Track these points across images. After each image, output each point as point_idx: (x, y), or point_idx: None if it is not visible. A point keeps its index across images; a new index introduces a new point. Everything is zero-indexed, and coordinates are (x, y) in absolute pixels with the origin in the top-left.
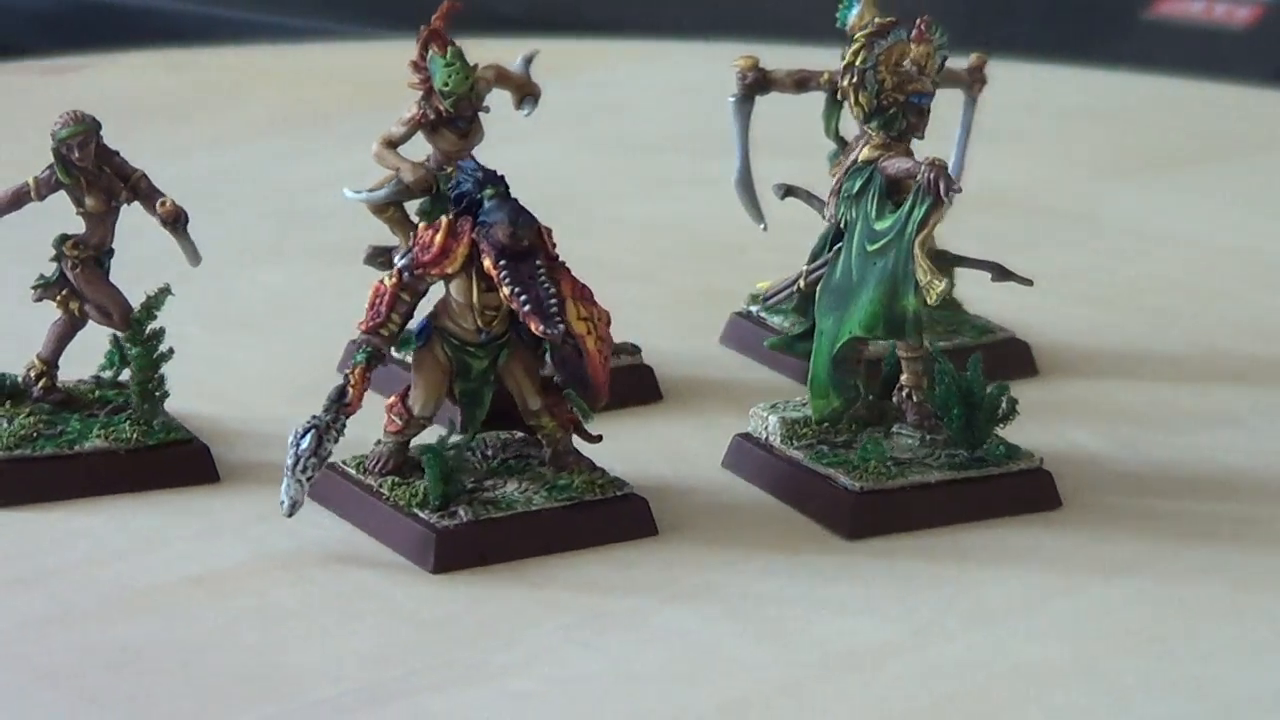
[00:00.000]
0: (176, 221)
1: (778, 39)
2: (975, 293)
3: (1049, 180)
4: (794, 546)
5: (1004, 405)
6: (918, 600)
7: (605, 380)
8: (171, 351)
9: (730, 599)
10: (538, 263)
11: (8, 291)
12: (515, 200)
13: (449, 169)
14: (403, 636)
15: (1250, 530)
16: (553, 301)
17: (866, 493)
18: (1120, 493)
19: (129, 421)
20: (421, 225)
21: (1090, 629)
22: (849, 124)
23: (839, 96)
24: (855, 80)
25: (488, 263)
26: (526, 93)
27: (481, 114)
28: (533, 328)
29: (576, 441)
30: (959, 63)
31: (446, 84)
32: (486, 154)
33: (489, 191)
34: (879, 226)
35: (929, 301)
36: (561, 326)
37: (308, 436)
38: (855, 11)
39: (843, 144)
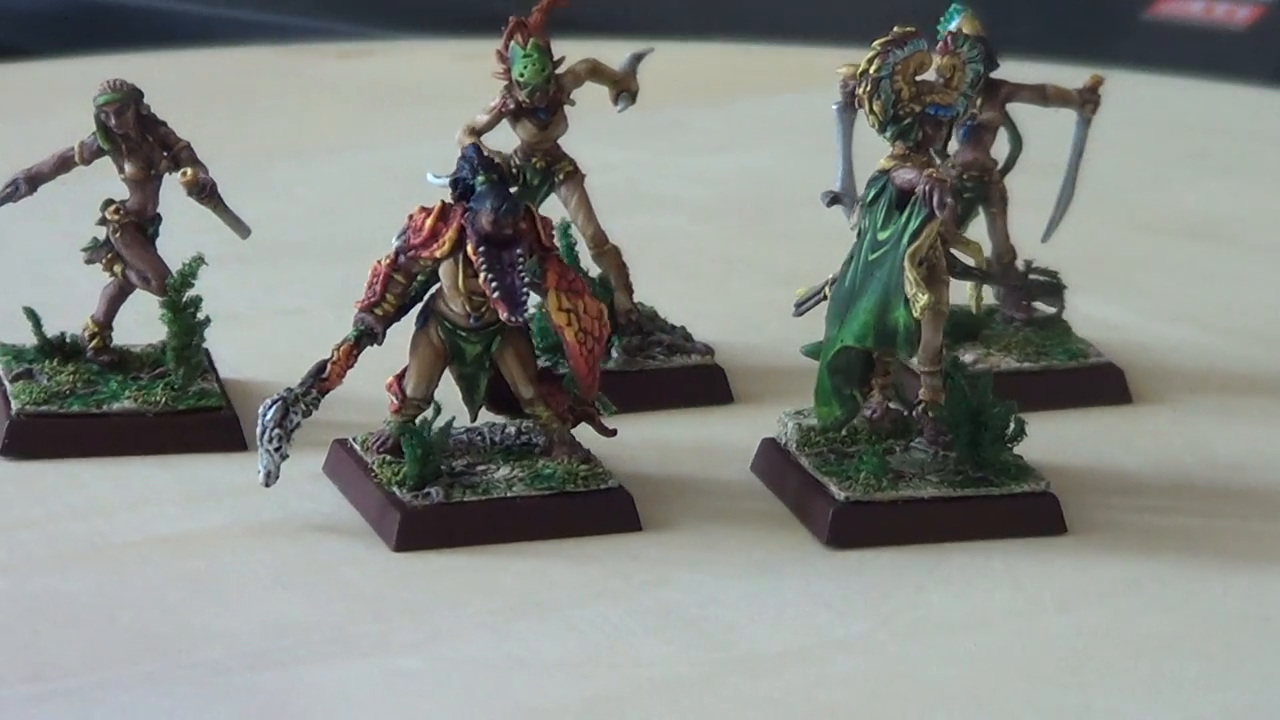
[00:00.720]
0: (201, 192)
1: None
2: (1107, 313)
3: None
4: (769, 552)
5: (1012, 426)
6: (861, 612)
7: (587, 372)
8: (208, 319)
9: (667, 597)
10: (519, 252)
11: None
12: (504, 189)
13: (534, 159)
14: (324, 608)
15: (1247, 572)
16: (524, 291)
17: (851, 503)
18: (1137, 524)
19: (163, 385)
20: (418, 208)
21: (1015, 657)
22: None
23: (856, 105)
24: (869, 88)
25: (470, 248)
26: (623, 89)
27: (568, 107)
28: (500, 314)
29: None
30: (1073, 82)
31: (522, 74)
32: (703, 158)
33: (480, 178)
34: (881, 236)
35: (915, 314)
36: (526, 315)
37: (274, 408)
38: (954, 24)
39: (944, 155)
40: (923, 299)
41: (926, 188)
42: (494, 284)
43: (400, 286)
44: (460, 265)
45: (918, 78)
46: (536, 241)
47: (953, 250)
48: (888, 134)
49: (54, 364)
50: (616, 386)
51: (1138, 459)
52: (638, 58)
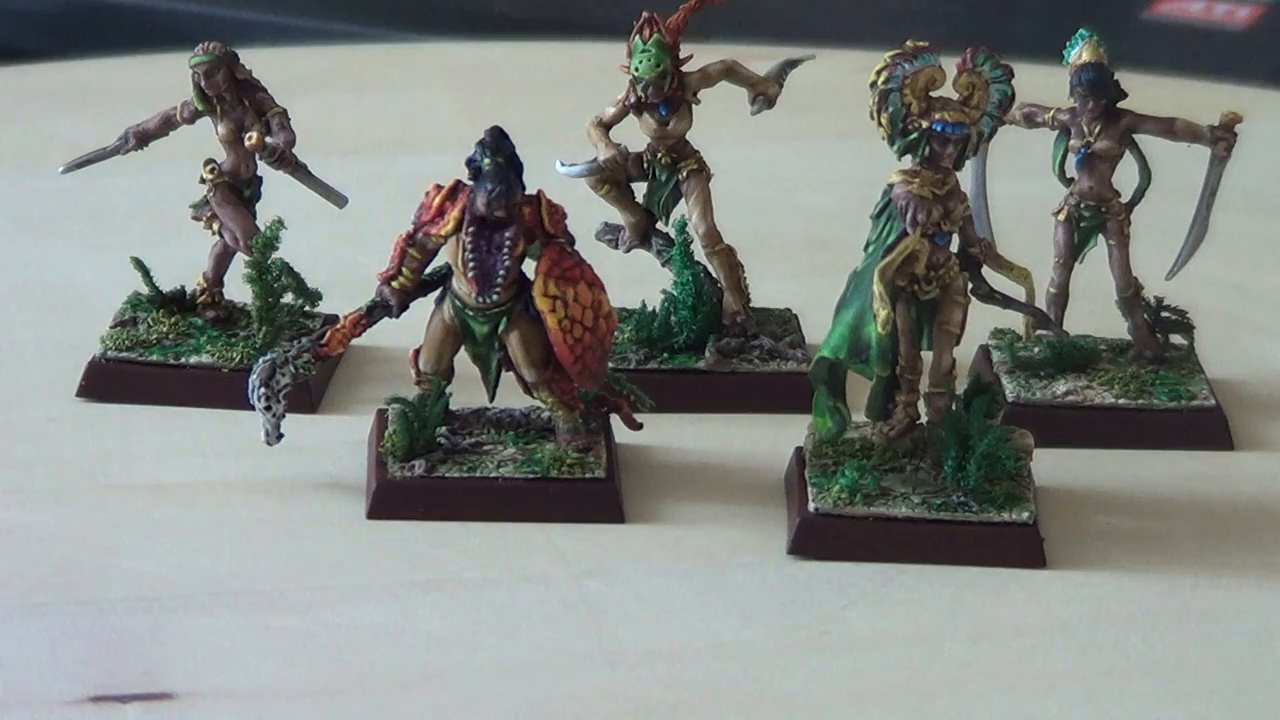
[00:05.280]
0: (272, 156)
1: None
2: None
3: None
4: (731, 556)
5: (1003, 453)
6: (766, 621)
7: (572, 360)
8: (293, 281)
9: (590, 587)
10: (507, 235)
11: None
12: (506, 172)
13: (659, 154)
14: (246, 564)
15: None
16: (500, 273)
17: (818, 514)
18: (1114, 563)
19: (243, 344)
20: (432, 186)
21: (875, 682)
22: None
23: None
24: (876, 100)
25: (464, 226)
26: (760, 92)
27: (695, 105)
28: (472, 291)
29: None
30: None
31: (637, 69)
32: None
33: (486, 161)
34: (870, 249)
35: (879, 329)
36: (496, 295)
37: (262, 367)
38: (1076, 50)
39: (1069, 181)
40: (881, 314)
41: (903, 203)
42: (471, 262)
43: (416, 261)
44: (460, 245)
45: (931, 93)
46: (540, 228)
47: (981, 273)
48: (895, 147)
49: (159, 314)
50: (700, 386)
51: (1174, 501)
52: (790, 64)
